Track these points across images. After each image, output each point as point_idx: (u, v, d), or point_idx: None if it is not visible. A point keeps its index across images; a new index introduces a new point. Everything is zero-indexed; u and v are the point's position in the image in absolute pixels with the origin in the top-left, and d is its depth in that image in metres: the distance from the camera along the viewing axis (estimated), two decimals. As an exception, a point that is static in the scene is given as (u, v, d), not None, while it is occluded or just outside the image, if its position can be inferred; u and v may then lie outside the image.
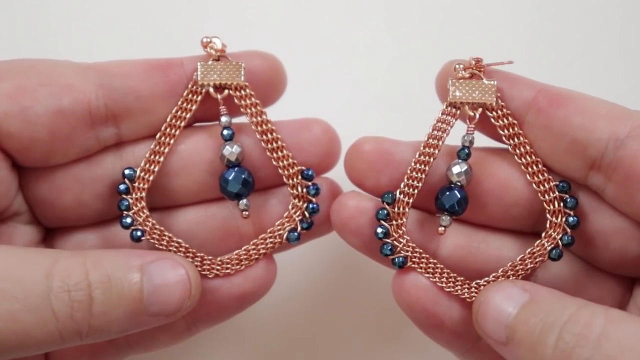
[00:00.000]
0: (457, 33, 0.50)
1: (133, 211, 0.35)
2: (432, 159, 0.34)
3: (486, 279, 0.35)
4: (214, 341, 0.45)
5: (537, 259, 0.34)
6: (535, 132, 0.33)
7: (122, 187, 0.35)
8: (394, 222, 0.35)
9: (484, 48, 0.49)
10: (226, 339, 0.45)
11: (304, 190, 0.35)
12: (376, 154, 0.35)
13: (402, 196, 0.34)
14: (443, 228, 0.34)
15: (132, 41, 0.49)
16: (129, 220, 0.34)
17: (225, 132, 0.35)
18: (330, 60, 0.49)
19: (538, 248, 0.34)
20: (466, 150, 0.34)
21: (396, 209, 0.34)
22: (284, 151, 0.34)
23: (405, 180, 0.34)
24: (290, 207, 0.35)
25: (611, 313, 0.28)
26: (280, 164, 0.34)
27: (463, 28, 0.50)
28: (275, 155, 0.34)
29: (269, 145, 0.34)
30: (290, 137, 0.36)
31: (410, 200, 0.34)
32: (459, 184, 0.34)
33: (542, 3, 0.50)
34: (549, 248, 0.34)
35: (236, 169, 0.35)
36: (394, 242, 0.35)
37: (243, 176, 0.34)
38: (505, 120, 0.34)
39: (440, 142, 0.34)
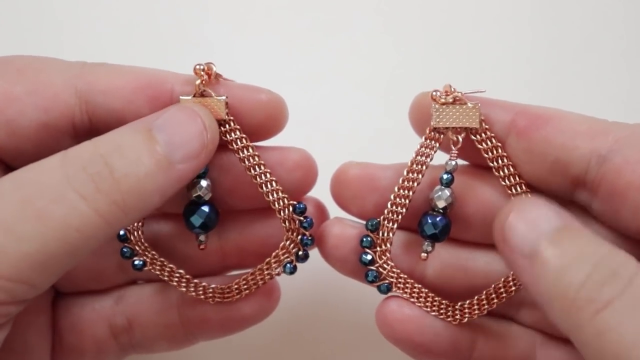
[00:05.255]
0: (454, 48, 0.50)
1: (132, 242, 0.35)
2: (415, 184, 0.34)
3: (469, 300, 0.35)
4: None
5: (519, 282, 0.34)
6: (518, 155, 0.33)
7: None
8: (378, 249, 0.35)
9: (482, 63, 0.49)
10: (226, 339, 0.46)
11: (297, 223, 0.35)
12: (361, 179, 0.35)
13: (385, 222, 0.34)
14: (425, 254, 0.35)
15: (133, 38, 0.49)
16: (125, 250, 0.35)
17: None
18: (330, 67, 0.49)
19: None
20: (449, 176, 0.34)
21: (380, 234, 0.34)
22: (274, 185, 0.34)
23: (389, 206, 0.34)
24: (284, 239, 0.35)
25: None
26: (271, 197, 0.34)
27: (462, 43, 0.50)
28: (265, 189, 0.34)
29: (258, 180, 0.34)
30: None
31: (395, 226, 0.34)
32: (441, 210, 0.34)
33: (541, 7, 0.50)
34: None
35: (202, 207, 0.35)
36: (379, 268, 0.35)
37: (204, 218, 0.35)
38: (490, 143, 0.34)
39: (424, 167, 0.34)
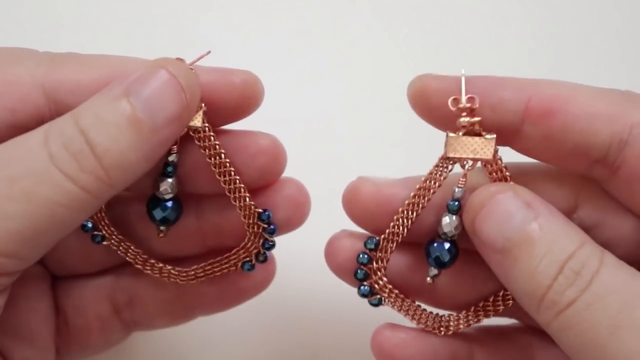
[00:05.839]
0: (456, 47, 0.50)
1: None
2: (420, 207, 0.33)
3: (465, 311, 0.35)
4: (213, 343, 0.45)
5: (508, 301, 0.35)
6: (535, 141, 0.32)
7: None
8: (374, 265, 0.35)
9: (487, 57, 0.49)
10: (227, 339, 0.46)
11: (261, 229, 0.35)
12: (374, 199, 0.34)
13: (385, 243, 0.34)
14: (430, 279, 0.35)
15: (131, 38, 0.49)
16: (90, 225, 0.35)
17: (168, 168, 0.34)
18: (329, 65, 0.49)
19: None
20: (457, 204, 0.33)
21: (378, 253, 0.35)
22: (242, 192, 0.34)
23: (391, 227, 0.34)
24: (246, 239, 0.35)
25: (606, 257, 0.29)
26: (238, 203, 0.34)
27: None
28: (233, 195, 0.34)
29: (227, 186, 0.34)
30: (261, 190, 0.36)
31: (394, 245, 0.34)
32: (448, 237, 0.34)
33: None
34: None
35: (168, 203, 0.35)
36: (373, 284, 0.35)
37: (167, 213, 0.35)
38: (500, 173, 0.33)
39: (432, 192, 0.33)
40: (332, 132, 0.49)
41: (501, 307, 0.35)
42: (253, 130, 0.35)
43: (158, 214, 0.35)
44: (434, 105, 0.32)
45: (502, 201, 0.30)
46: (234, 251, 0.36)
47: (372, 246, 0.34)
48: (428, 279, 0.35)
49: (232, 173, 0.34)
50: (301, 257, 0.43)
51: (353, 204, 0.35)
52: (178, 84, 0.31)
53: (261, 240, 0.35)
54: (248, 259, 0.36)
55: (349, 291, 0.43)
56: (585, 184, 0.33)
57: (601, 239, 0.32)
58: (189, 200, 0.36)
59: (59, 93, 0.32)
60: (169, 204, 0.35)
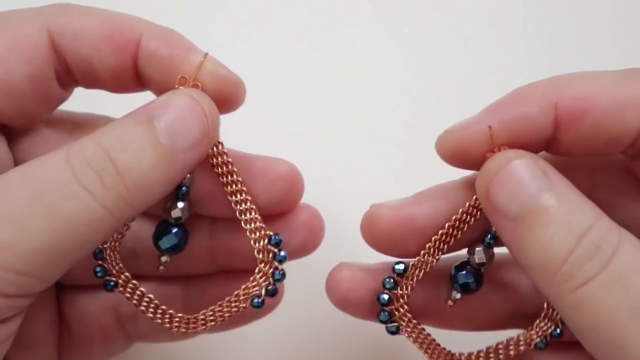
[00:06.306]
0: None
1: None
2: (453, 240, 0.33)
3: (477, 351, 0.35)
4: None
5: (521, 346, 0.34)
6: (569, 143, 0.31)
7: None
8: (398, 291, 0.34)
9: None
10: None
11: (271, 255, 0.34)
12: (396, 224, 0.33)
13: (413, 270, 0.34)
14: (452, 302, 0.34)
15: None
16: (98, 269, 0.34)
17: (182, 189, 0.34)
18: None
19: (527, 336, 0.34)
20: (493, 238, 0.33)
21: (404, 280, 0.34)
22: (253, 214, 0.34)
23: (422, 256, 0.33)
24: (256, 271, 0.34)
25: (625, 233, 0.28)
26: (248, 226, 0.34)
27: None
28: (243, 217, 0.34)
29: (238, 207, 0.34)
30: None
31: (421, 273, 0.34)
32: (478, 267, 0.33)
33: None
34: (536, 340, 0.34)
35: (174, 229, 0.34)
36: (394, 310, 0.34)
37: (176, 241, 0.34)
38: None
39: (466, 226, 0.33)
40: (332, 132, 0.49)
41: (512, 352, 0.34)
42: (272, 157, 0.35)
43: (164, 243, 0.34)
44: (468, 160, 0.32)
45: (519, 167, 0.29)
46: (243, 287, 0.34)
47: (401, 271, 0.34)
48: (450, 302, 0.34)
49: (244, 193, 0.33)
50: (302, 261, 0.43)
51: (373, 232, 0.34)
52: (201, 110, 0.31)
53: (271, 269, 0.34)
54: (258, 292, 0.34)
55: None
56: (600, 165, 0.33)
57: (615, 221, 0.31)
58: (203, 218, 0.36)
59: (62, 37, 0.32)
60: (175, 231, 0.34)
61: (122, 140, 0.29)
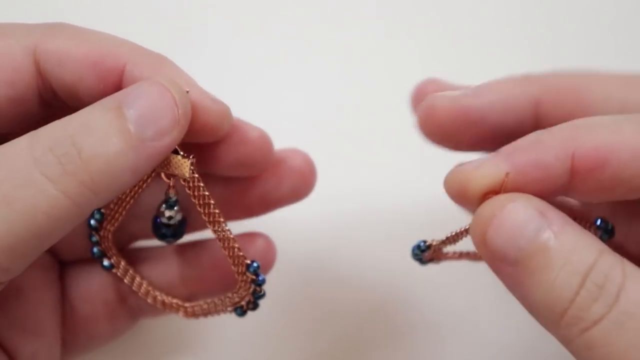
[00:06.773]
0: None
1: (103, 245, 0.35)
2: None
3: None
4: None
5: None
6: (586, 191, 0.30)
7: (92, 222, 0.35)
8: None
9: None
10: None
11: (250, 279, 0.35)
12: (453, 115, 0.33)
13: (443, 243, 0.32)
14: None
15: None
16: (95, 250, 0.35)
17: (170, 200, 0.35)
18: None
19: None
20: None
21: (434, 243, 0.32)
22: (231, 242, 0.34)
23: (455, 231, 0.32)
24: (237, 286, 0.35)
25: (628, 266, 0.27)
26: (228, 253, 0.34)
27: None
28: (223, 244, 0.34)
29: (217, 234, 0.34)
30: None
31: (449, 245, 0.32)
32: None
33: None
34: None
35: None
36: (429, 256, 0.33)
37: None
38: None
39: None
40: (332, 130, 0.49)
41: None
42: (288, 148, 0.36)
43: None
44: (472, 201, 0.31)
45: (513, 210, 0.29)
46: (228, 294, 0.36)
47: (424, 248, 0.32)
48: None
49: (221, 222, 0.34)
50: (301, 244, 0.43)
51: (430, 122, 0.33)
52: (172, 98, 0.30)
53: (251, 288, 0.35)
54: (241, 304, 0.36)
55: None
56: None
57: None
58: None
59: (47, 63, 0.31)
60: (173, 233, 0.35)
61: (87, 126, 0.28)
